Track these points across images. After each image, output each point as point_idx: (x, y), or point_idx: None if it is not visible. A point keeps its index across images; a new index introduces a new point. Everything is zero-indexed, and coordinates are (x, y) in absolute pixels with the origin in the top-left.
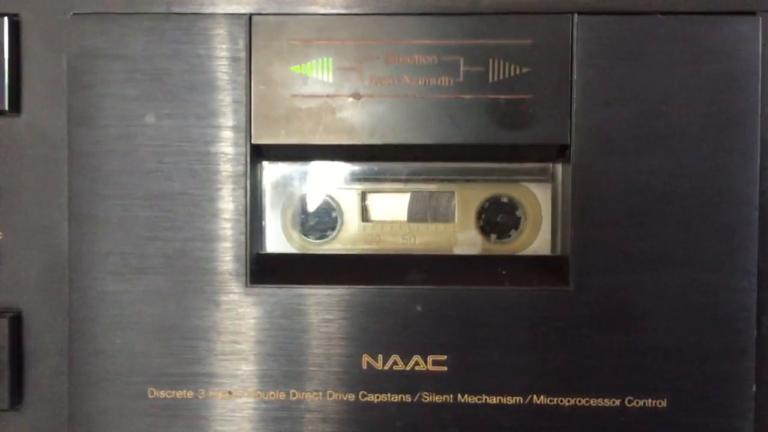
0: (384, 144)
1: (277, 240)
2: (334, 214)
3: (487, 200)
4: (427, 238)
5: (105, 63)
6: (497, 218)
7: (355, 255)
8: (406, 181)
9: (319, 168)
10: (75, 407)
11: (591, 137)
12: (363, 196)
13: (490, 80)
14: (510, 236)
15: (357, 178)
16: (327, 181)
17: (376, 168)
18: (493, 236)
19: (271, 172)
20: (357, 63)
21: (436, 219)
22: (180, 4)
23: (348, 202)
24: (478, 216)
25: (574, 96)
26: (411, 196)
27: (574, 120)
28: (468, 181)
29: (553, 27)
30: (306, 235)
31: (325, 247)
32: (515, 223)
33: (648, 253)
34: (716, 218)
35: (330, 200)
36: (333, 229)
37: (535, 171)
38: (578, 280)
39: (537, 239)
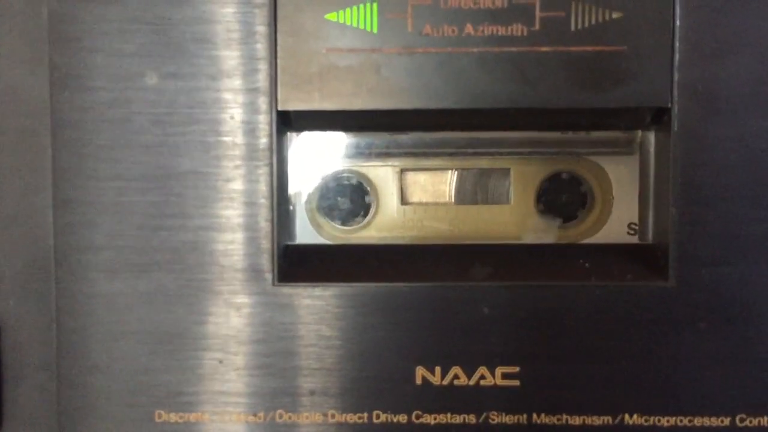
0: (441, 109)
1: (302, 227)
2: (367, 196)
3: (549, 178)
4: (477, 225)
5: (95, 11)
6: (562, 199)
7: (404, 245)
8: (452, 155)
9: (349, 141)
10: None
11: (697, 97)
12: (401, 174)
13: (573, 28)
14: (576, 220)
15: (394, 152)
16: (359, 157)
17: (417, 140)
18: (557, 220)
19: (296, 145)
20: (407, 9)
21: (487, 201)
22: None
23: (384, 181)
24: (539, 197)
25: (677, 46)
26: (458, 173)
27: (676, 76)
28: (526, 154)
29: None
30: (335, 221)
31: (357, 235)
32: (582, 205)
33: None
34: None
35: (363, 179)
36: (366, 213)
37: (608, 141)
38: (681, 273)
39: (607, 223)
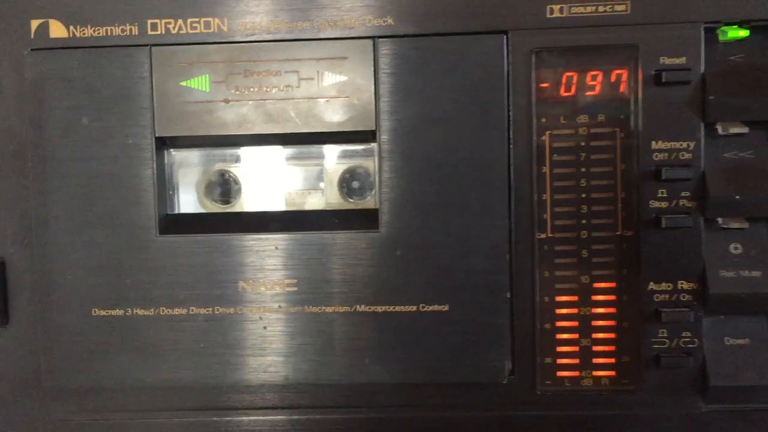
0: (247, 134)
1: (196, 206)
2: (235, 186)
3: (347, 171)
4: (302, 202)
5: (53, 83)
6: (353, 184)
7: (236, 213)
8: (289, 159)
9: (224, 152)
10: (44, 325)
11: (391, 124)
12: (257, 172)
13: (319, 86)
14: (366, 197)
15: (252, 159)
16: (230, 162)
17: (266, 150)
18: (353, 198)
19: (188, 157)
20: (226, 77)
21: (309, 187)
22: (105, 39)
23: (246, 176)
24: (341, 183)
25: (379, 95)
26: (291, 171)
27: (378, 112)
28: (333, 158)
29: (362, 47)
30: (217, 202)
31: (229, 210)
32: (369, 187)
33: (434, 204)
34: (481, 178)
35: (232, 176)
36: (235, 196)
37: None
38: (385, 225)
39: None
